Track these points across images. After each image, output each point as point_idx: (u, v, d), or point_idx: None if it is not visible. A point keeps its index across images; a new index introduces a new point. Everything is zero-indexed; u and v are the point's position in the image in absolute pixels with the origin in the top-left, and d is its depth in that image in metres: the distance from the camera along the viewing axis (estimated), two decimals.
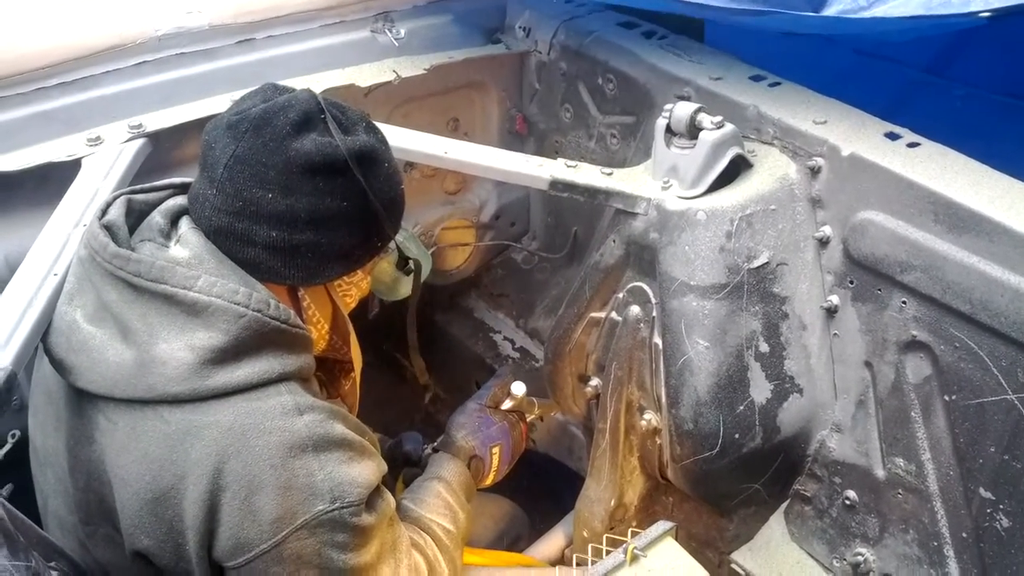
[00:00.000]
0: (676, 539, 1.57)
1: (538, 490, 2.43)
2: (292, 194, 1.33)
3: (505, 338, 2.64)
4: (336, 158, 1.34)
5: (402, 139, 1.85)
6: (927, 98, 2.62)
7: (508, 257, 2.76)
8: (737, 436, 1.73)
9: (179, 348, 1.28)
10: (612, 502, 1.95)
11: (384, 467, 1.44)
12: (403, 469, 1.90)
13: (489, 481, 1.91)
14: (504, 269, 2.75)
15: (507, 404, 1.93)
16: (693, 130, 1.71)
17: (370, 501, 1.37)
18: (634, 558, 1.48)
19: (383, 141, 1.46)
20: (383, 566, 1.42)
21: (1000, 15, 1.67)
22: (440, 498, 1.71)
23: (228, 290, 1.30)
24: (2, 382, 1.23)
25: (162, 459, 1.28)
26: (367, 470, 1.37)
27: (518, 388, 1.93)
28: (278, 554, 1.29)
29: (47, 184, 1.71)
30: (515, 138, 2.52)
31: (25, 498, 1.39)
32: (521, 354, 2.57)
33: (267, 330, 1.32)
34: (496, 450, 1.87)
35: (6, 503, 1.16)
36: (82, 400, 1.35)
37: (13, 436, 1.30)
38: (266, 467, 1.28)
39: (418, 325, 2.59)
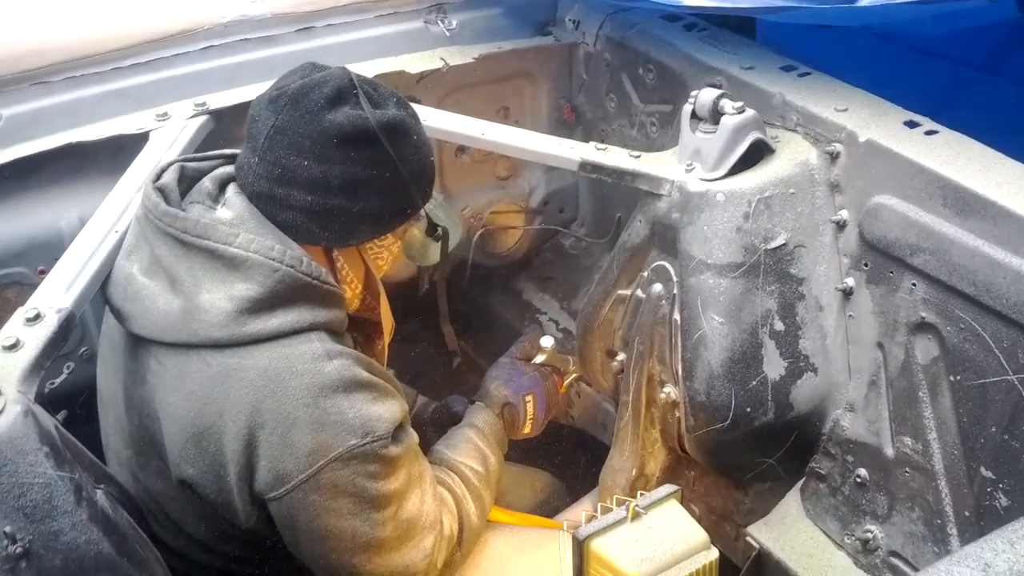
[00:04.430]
0: (680, 502, 1.64)
1: (575, 463, 2.54)
2: (326, 162, 1.46)
3: (550, 319, 2.74)
4: (366, 129, 1.46)
5: (443, 121, 1.97)
6: (978, 95, 2.62)
7: (557, 242, 2.86)
8: (749, 410, 1.79)
9: (220, 298, 1.42)
10: (634, 472, 2.03)
11: (406, 407, 1.56)
12: (450, 429, 2.03)
13: (528, 430, 2.03)
14: (553, 253, 2.86)
15: (539, 358, 2.07)
16: (716, 115, 1.78)
17: (396, 435, 1.50)
18: (636, 515, 1.55)
19: (413, 116, 1.57)
20: (411, 494, 1.55)
21: None
22: (471, 443, 1.84)
23: (264, 247, 1.44)
24: (63, 320, 1.39)
25: (205, 398, 1.43)
26: (392, 407, 1.50)
27: (546, 341, 2.09)
28: (315, 483, 1.43)
29: (120, 154, 1.88)
30: (563, 127, 2.61)
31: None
32: (564, 335, 2.67)
33: (299, 284, 1.45)
34: (530, 398, 1.99)
35: (59, 425, 1.32)
36: (137, 345, 1.51)
37: (68, 368, 1.46)
38: (300, 406, 1.41)
39: (467, 305, 2.72)
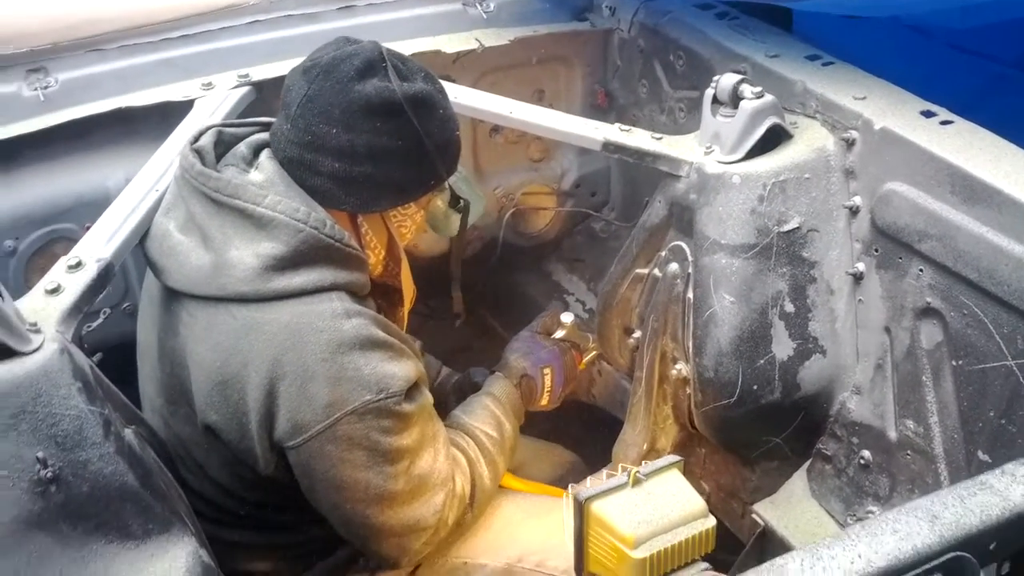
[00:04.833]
0: (683, 473, 1.69)
1: (596, 441, 2.59)
2: (353, 131, 1.54)
3: (577, 300, 2.80)
4: (393, 101, 1.54)
5: (471, 99, 2.04)
6: (1012, 91, 2.62)
7: (588, 225, 2.91)
8: (755, 388, 1.84)
9: (247, 255, 1.51)
10: (645, 446, 2.09)
11: (422, 369, 1.64)
12: (469, 397, 2.10)
13: (545, 402, 2.10)
14: (583, 236, 2.92)
15: (559, 333, 2.14)
16: (735, 99, 1.83)
17: (410, 393, 1.58)
18: (636, 481, 1.60)
19: (440, 91, 1.64)
20: (424, 451, 1.62)
21: None
22: (487, 410, 1.91)
23: (290, 208, 1.52)
24: (102, 268, 1.50)
25: (230, 348, 1.52)
26: (407, 367, 1.57)
27: (567, 317, 2.17)
28: (331, 434, 1.51)
29: (166, 120, 1.98)
30: (597, 111, 2.65)
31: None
32: (590, 315, 2.72)
33: (321, 245, 1.53)
34: (547, 371, 2.06)
35: (94, 366, 1.42)
36: (171, 298, 1.61)
37: (105, 313, 1.56)
38: (318, 360, 1.49)
39: (498, 284, 2.78)
